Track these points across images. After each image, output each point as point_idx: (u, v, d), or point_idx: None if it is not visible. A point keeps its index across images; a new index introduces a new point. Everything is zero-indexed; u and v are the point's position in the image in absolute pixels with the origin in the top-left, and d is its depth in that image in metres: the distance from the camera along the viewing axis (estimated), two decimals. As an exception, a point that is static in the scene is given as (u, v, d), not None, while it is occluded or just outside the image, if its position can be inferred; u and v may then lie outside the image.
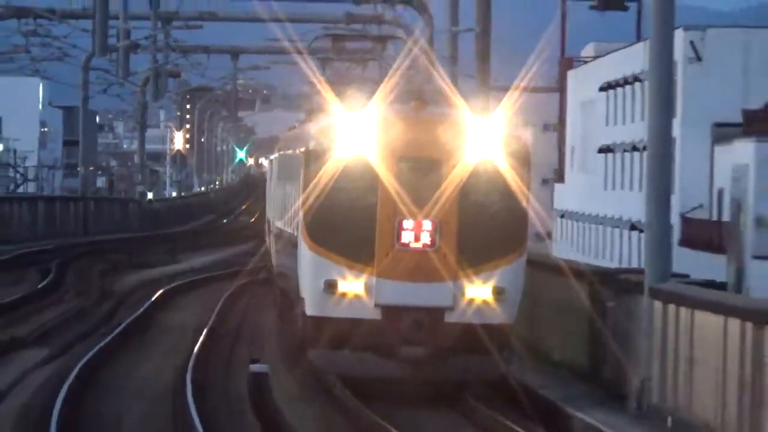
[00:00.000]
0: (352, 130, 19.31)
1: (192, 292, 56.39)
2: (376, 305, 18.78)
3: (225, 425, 23.40)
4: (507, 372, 20.04)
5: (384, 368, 19.21)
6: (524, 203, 20.49)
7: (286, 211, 27.92)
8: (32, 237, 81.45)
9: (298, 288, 21.74)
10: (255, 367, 25.77)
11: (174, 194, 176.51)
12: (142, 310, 44.75)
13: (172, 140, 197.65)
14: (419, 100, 21.16)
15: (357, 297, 18.88)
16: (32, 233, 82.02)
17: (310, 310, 19.73)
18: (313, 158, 19.76)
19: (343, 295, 18.94)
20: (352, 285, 18.74)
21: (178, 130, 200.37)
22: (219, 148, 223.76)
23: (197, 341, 33.91)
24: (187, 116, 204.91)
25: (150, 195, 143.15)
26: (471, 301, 18.83)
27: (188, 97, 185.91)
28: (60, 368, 29.53)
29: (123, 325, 39.26)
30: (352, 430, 24.37)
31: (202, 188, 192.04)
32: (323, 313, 19.38)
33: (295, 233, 22.56)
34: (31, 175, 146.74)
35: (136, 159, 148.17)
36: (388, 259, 18.77)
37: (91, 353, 30.80)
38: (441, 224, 18.73)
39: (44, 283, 54.55)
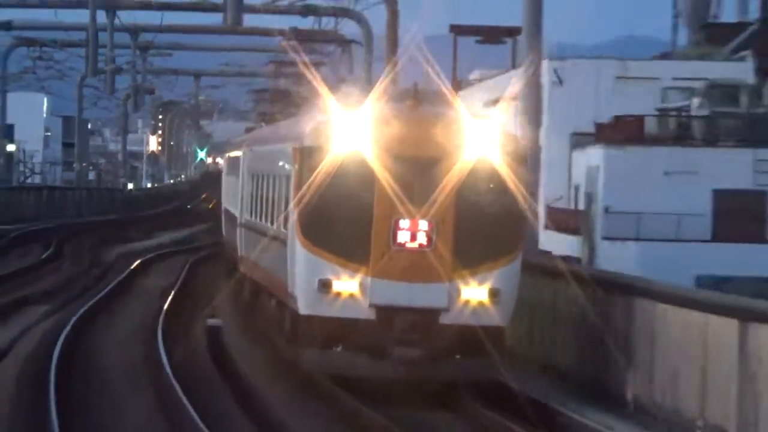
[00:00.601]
0: (349, 128, 16.38)
1: (163, 262, 54.89)
2: (371, 305, 15.84)
3: (187, 362, 23.04)
4: (500, 374, 16.77)
5: (377, 369, 16.21)
6: (521, 203, 17.34)
7: (265, 207, 23.86)
8: (37, 218, 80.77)
9: (285, 285, 18.39)
10: (211, 321, 26.29)
11: (149, 185, 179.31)
12: (124, 275, 44.65)
13: (147, 143, 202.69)
14: (414, 99, 17.84)
15: (351, 297, 15.99)
16: (37, 215, 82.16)
17: (303, 309, 16.66)
18: (307, 155, 16.70)
19: (338, 294, 15.98)
20: (347, 284, 15.87)
21: (153, 134, 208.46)
22: (184, 150, 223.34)
23: (167, 298, 34.17)
24: (160, 124, 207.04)
25: (130, 185, 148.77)
26: (466, 302, 15.94)
27: (161, 109, 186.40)
28: (62, 317, 30.02)
29: (110, 286, 39.65)
30: (284, 361, 23.93)
31: (171, 180, 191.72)
32: (317, 312, 16.38)
33: (282, 229, 19.36)
34: (37, 169, 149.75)
35: (120, 157, 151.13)
36: (384, 259, 15.83)
37: (85, 307, 31.19)
38: (437, 224, 15.83)
39: (46, 254, 54.37)
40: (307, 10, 57.64)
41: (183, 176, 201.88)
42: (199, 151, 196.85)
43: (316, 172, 15.86)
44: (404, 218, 15.52)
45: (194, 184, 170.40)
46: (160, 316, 29.02)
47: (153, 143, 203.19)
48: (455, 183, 15.61)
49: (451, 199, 15.57)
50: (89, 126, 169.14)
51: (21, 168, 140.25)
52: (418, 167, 15.87)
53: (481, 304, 15.63)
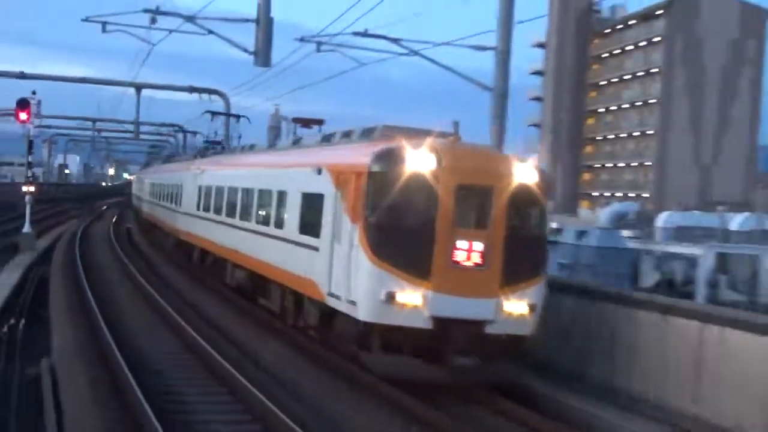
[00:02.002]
0: (415, 156, 15.98)
1: (110, 211, 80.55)
2: (430, 316, 15.45)
3: (119, 238, 48.29)
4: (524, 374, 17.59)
5: (432, 374, 15.98)
6: (547, 229, 18.76)
7: (260, 213, 24.36)
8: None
9: (321, 286, 17.79)
10: (128, 226, 55.42)
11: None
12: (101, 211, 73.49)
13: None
14: (456, 135, 18.92)
15: (414, 308, 15.54)
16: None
17: (366, 317, 15.86)
18: (376, 178, 16.13)
19: (401, 305, 15.53)
20: (410, 297, 15.48)
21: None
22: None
23: (113, 220, 63.13)
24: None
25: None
26: (509, 314, 15.99)
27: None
28: (81, 222, 56.52)
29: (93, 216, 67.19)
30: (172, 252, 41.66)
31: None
32: (380, 320, 15.80)
33: (307, 237, 19.32)
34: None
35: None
36: (443, 275, 15.56)
37: (81, 227, 55.46)
38: (490, 245, 15.77)
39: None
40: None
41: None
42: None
43: (384, 194, 16.08)
44: (462, 239, 15.81)
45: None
46: (111, 226, 57.50)
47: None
48: (504, 209, 16.13)
49: (501, 223, 16.04)
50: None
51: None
52: (475, 194, 16.28)
53: (520, 316, 16.10)
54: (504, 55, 20.80)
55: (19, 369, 17.10)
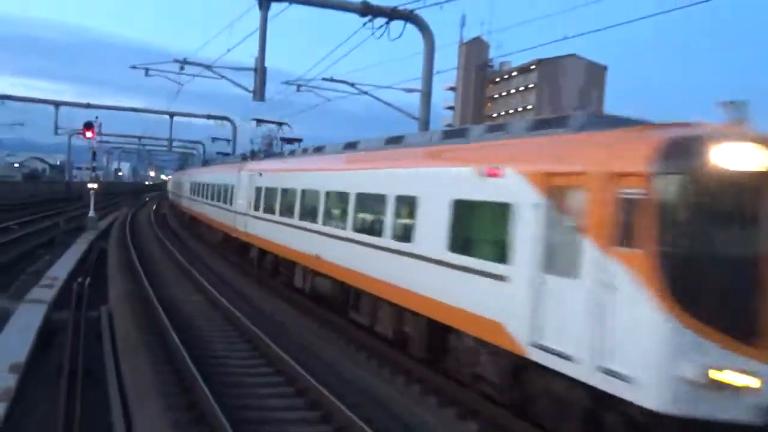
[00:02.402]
0: (739, 152, 7.33)
1: (151, 202, 74.55)
2: None
3: (158, 221, 48.39)
4: None
5: None
6: None
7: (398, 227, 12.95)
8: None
9: (555, 344, 8.31)
10: (163, 210, 58.04)
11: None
12: (148, 199, 72.40)
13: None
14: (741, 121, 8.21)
15: (744, 392, 6.92)
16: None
17: (663, 406, 7.01)
18: (674, 185, 7.34)
19: (724, 388, 6.90)
20: (740, 376, 6.88)
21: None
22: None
23: (152, 210, 60.93)
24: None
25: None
26: None
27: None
28: (128, 211, 52.68)
29: (138, 205, 64.74)
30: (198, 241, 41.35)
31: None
32: (686, 411, 6.97)
33: (493, 263, 9.62)
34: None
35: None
36: None
37: (130, 213, 52.07)
38: None
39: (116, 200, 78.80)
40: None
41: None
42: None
43: (690, 208, 7.41)
44: None
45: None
46: (151, 212, 55.84)
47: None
48: None
49: None
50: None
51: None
52: None
53: None
54: (426, 95, 20.92)
55: (86, 312, 16.80)
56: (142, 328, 14.46)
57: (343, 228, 15.35)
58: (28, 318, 14.29)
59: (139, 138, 75.23)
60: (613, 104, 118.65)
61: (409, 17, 19.36)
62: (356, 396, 10.84)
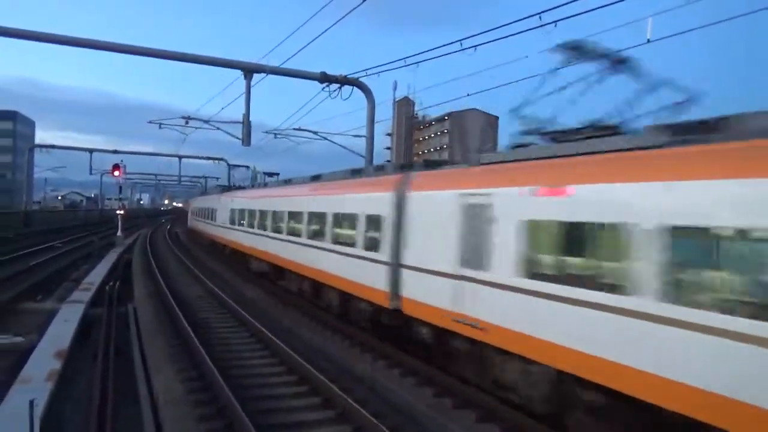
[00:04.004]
0: None
1: (165, 223, 69.93)
2: None
3: (171, 237, 46.51)
4: None
5: None
6: None
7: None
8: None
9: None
10: (175, 232, 55.51)
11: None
12: (161, 222, 69.16)
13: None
14: None
15: None
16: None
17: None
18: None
19: None
20: None
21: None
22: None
23: (167, 229, 57.66)
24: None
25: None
26: None
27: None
28: (147, 231, 49.81)
29: (156, 225, 62.89)
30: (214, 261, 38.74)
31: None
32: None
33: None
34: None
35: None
36: None
37: (149, 232, 49.11)
38: None
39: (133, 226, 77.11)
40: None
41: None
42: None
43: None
44: None
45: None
46: (166, 232, 52.56)
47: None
48: None
49: None
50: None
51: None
52: None
53: None
54: (369, 139, 20.92)
55: (117, 307, 16.20)
56: (159, 317, 14.08)
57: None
58: (70, 314, 13.70)
59: (156, 175, 74.48)
60: (505, 144, 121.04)
61: (356, 83, 19.54)
62: (310, 352, 11.39)
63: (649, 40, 10.89)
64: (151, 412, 7.84)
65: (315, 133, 27.01)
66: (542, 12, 10.94)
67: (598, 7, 10.60)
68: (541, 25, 10.95)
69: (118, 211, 40.81)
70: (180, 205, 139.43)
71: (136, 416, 8.00)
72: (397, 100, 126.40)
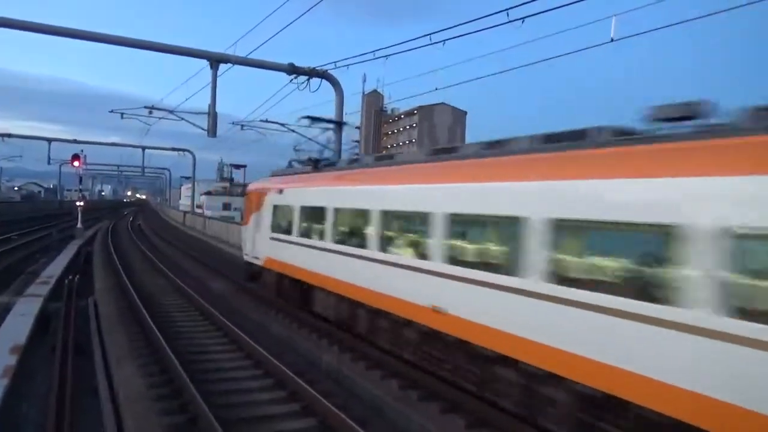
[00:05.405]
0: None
1: (128, 215, 70.87)
2: None
3: (133, 228, 47.44)
4: None
5: None
6: None
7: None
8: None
9: None
10: (138, 224, 54.36)
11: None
12: (126, 213, 70.39)
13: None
14: None
15: None
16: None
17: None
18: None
19: None
20: None
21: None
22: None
23: (129, 220, 59.24)
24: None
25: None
26: None
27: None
28: (109, 222, 50.14)
29: (118, 218, 62.38)
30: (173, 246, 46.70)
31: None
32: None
33: None
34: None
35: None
36: None
37: (112, 223, 50.86)
38: None
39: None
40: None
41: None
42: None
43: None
44: None
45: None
46: (129, 223, 53.15)
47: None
48: None
49: None
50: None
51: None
52: None
53: None
54: (338, 132, 20.81)
55: (76, 301, 15.77)
56: (121, 311, 13.75)
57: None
58: (27, 308, 13.23)
59: (118, 166, 72.83)
60: (473, 138, 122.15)
61: (324, 75, 19.38)
62: (277, 345, 11.28)
63: (612, 39, 11.12)
64: (111, 407, 7.67)
65: (282, 125, 26.62)
66: (510, 8, 11.06)
67: (565, 5, 10.76)
68: (509, 21, 11.06)
69: (77, 203, 39.41)
70: (144, 197, 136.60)
71: (95, 412, 7.82)
72: (366, 93, 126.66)
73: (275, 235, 13.70)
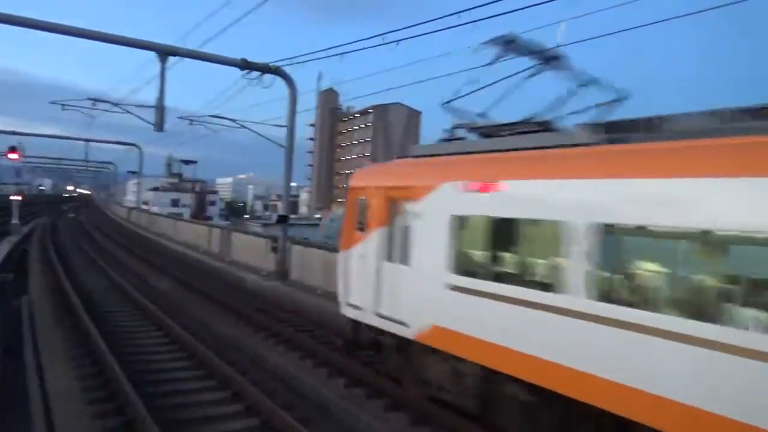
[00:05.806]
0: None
1: (69, 212, 69.09)
2: None
3: (75, 223, 47.54)
4: None
5: None
6: None
7: None
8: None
9: None
10: (70, 215, 51.10)
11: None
12: (62, 212, 66.82)
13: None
14: None
15: None
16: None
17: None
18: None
19: None
20: None
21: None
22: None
23: (70, 217, 57.85)
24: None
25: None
26: None
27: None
28: (50, 220, 48.90)
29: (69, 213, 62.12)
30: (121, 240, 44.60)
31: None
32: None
33: None
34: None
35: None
36: None
37: (48, 221, 48.61)
38: None
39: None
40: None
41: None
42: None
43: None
44: None
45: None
46: (69, 220, 52.71)
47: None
48: None
49: None
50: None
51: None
52: None
53: None
54: (290, 130, 20.60)
55: (9, 301, 15.04)
56: (57, 310, 13.22)
57: None
58: (-47, 308, 12.56)
59: (59, 159, 69.73)
60: (428, 138, 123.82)
61: (277, 72, 19.15)
62: (222, 344, 11.02)
63: (559, 45, 11.42)
64: (42, 410, 7.34)
65: (233, 120, 26.23)
66: (462, 11, 11.19)
67: (516, 10, 10.97)
68: (460, 24, 11.20)
69: (12, 197, 37.50)
70: (89, 192, 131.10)
71: (25, 415, 7.46)
72: (321, 90, 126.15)
73: (465, 281, 6.63)
